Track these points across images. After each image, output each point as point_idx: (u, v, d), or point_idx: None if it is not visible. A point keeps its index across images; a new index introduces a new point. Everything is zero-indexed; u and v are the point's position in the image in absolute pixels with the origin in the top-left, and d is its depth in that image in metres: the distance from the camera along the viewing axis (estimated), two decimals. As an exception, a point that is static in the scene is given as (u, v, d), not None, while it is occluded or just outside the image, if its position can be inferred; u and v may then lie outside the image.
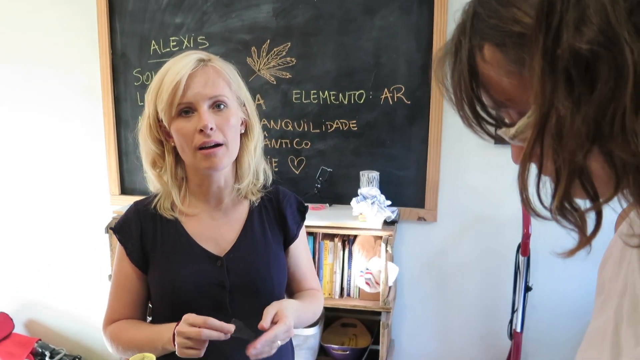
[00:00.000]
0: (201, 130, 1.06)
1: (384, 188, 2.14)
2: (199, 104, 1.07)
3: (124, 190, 2.47)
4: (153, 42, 2.29)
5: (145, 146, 1.16)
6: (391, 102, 2.13)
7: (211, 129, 1.06)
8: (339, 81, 2.15)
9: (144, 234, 1.19)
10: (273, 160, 2.28)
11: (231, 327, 1.02)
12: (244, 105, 1.17)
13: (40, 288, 2.72)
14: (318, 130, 2.21)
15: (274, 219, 1.27)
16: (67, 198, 2.57)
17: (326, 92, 2.17)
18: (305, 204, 1.35)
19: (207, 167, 1.10)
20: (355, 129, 2.18)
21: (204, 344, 1.02)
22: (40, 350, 2.53)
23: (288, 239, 1.29)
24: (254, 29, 2.18)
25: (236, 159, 1.18)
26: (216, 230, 1.22)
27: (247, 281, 1.19)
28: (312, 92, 2.18)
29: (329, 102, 2.18)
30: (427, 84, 2.07)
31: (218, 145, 1.08)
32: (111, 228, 1.24)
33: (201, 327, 1.00)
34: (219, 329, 1.01)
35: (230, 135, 1.10)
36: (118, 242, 1.21)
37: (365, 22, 2.08)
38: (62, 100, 2.47)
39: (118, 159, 2.44)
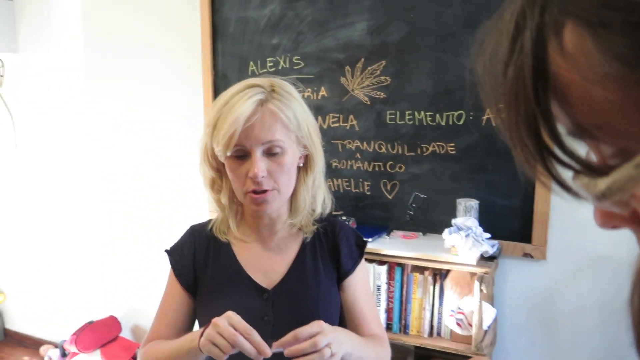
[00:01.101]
0: (250, 178, 1.07)
1: (484, 218, 2.00)
2: (253, 150, 1.07)
3: (222, 207, 2.60)
4: (251, 63, 2.40)
5: (203, 170, 1.19)
6: (494, 124, 2.00)
7: (263, 177, 1.07)
8: (436, 101, 2.07)
9: (196, 257, 1.23)
10: (365, 183, 2.25)
11: (268, 351, 0.97)
12: (303, 138, 1.14)
13: (147, 295, 2.95)
14: (413, 153, 2.15)
15: (328, 252, 1.24)
16: (170, 210, 2.77)
17: (422, 112, 2.10)
18: (365, 239, 1.29)
19: (257, 211, 1.13)
20: (454, 152, 2.08)
21: (231, 350, 0.97)
22: (140, 356, 2.75)
23: (341, 273, 1.24)
24: (348, 47, 2.19)
25: (292, 192, 1.17)
26: (266, 261, 1.22)
27: (292, 316, 1.16)
28: (407, 112, 2.13)
29: (425, 123, 2.11)
30: (535, 104, 1.91)
31: (271, 190, 1.09)
32: (166, 250, 1.28)
33: (241, 333, 0.96)
34: (257, 346, 0.96)
35: (282, 180, 1.10)
36: (170, 264, 1.25)
37: (465, 37, 1.99)
38: (167, 119, 2.68)
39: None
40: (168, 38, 2.61)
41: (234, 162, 1.09)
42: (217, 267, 1.21)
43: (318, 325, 0.99)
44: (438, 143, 2.10)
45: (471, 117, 2.03)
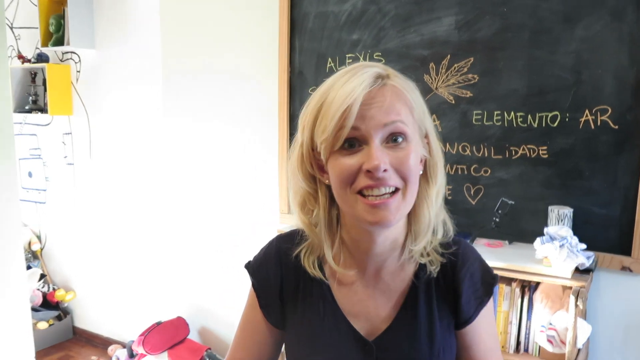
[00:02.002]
0: (368, 171, 0.84)
1: (579, 228, 1.94)
2: (371, 136, 0.85)
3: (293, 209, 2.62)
4: (329, 59, 2.41)
5: (295, 181, 0.97)
6: (593, 126, 1.93)
7: (384, 170, 0.84)
8: (528, 101, 2.02)
9: (284, 286, 1.02)
10: (447, 187, 2.22)
11: None
12: (426, 136, 0.93)
13: (215, 296, 3.02)
14: (500, 156, 2.10)
15: (445, 293, 0.99)
16: (242, 210, 2.83)
17: (512, 113, 2.06)
18: (495, 275, 1.03)
19: (373, 223, 0.87)
20: (546, 156, 2.02)
21: None
22: (207, 359, 2.81)
23: (460, 321, 0.99)
24: (433, 43, 2.17)
25: (411, 210, 0.94)
26: (370, 302, 0.99)
27: None
28: (495, 112, 2.09)
29: (515, 125, 2.06)
30: (641, 105, 1.84)
31: (392, 192, 0.86)
32: (246, 266, 1.09)
33: None
34: None
35: (410, 177, 0.87)
36: (251, 284, 1.06)
37: (563, 33, 1.93)
38: (243, 114, 2.75)
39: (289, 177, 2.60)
40: (245, 34, 2.68)
41: (341, 156, 0.87)
42: (310, 306, 1.00)
43: None
44: (529, 146, 2.05)
45: (567, 119, 1.97)
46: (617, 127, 1.89)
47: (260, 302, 1.04)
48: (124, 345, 3.28)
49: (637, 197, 1.88)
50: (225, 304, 2.98)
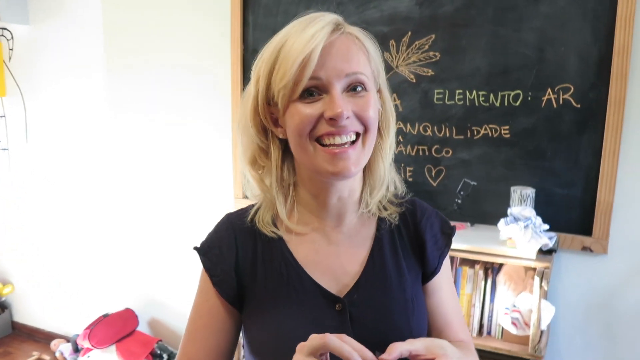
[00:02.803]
0: (331, 119, 0.81)
1: (540, 208, 1.90)
2: (332, 84, 0.81)
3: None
4: (285, 36, 2.28)
5: (245, 137, 0.92)
6: (555, 105, 1.89)
7: (347, 118, 0.82)
8: (491, 79, 1.96)
9: (240, 258, 0.94)
10: (407, 169, 2.14)
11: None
12: (379, 90, 0.91)
13: (165, 286, 2.87)
14: (462, 137, 2.03)
15: (409, 244, 0.98)
16: (193, 197, 2.68)
17: (474, 92, 1.99)
18: (452, 225, 1.04)
19: (334, 173, 0.84)
20: (508, 136, 1.97)
21: None
22: (159, 352, 2.67)
23: (427, 272, 0.99)
24: (394, 19, 2.07)
25: (366, 164, 0.92)
26: (334, 259, 0.94)
27: (377, 334, 0.90)
28: (457, 91, 2.02)
29: (477, 104, 1.99)
30: (605, 83, 1.80)
31: (352, 142, 0.84)
32: (195, 248, 0.99)
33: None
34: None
35: (371, 124, 0.85)
36: (202, 268, 0.97)
37: (527, 9, 1.87)
38: (192, 96, 2.58)
39: (244, 160, 2.48)
40: (195, 7, 2.49)
41: (302, 105, 0.83)
42: (269, 271, 0.93)
43: (434, 343, 0.77)
44: (491, 125, 1.99)
45: (530, 98, 1.92)
46: (579, 105, 1.86)
47: (213, 280, 0.95)
48: (68, 340, 3.08)
49: (599, 177, 1.86)
50: (176, 293, 2.84)
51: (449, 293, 1.03)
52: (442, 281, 1.02)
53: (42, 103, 3.05)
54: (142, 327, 2.93)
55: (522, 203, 1.89)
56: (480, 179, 2.03)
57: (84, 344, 2.72)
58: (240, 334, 0.99)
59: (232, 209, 2.48)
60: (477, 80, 1.98)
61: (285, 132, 0.88)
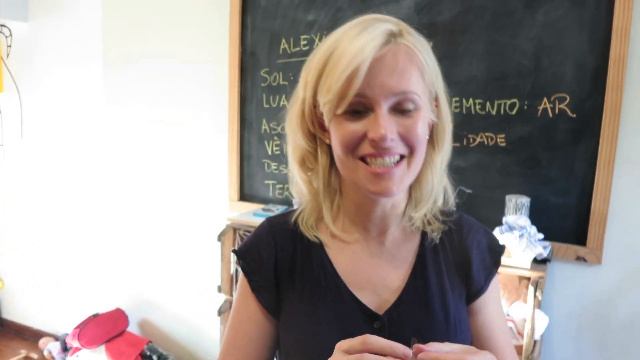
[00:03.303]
0: (373, 140, 0.77)
1: (535, 217, 1.89)
2: (378, 102, 0.76)
3: (243, 196, 2.48)
4: (283, 40, 2.27)
5: (294, 139, 0.89)
6: (551, 114, 1.88)
7: (392, 139, 0.77)
8: (488, 87, 1.95)
9: (279, 264, 0.91)
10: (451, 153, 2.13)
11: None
12: (436, 99, 0.85)
13: (156, 288, 2.84)
14: (458, 144, 2.02)
15: (454, 262, 0.92)
16: (188, 198, 2.66)
17: (471, 99, 1.98)
18: (502, 243, 0.98)
19: (375, 192, 0.80)
20: (504, 144, 1.96)
21: None
22: (148, 353, 2.63)
23: (471, 292, 0.93)
24: (392, 25, 2.06)
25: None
26: (375, 272, 0.90)
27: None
28: (454, 99, 2.01)
29: (473, 112, 1.99)
30: (601, 93, 1.79)
31: (397, 162, 0.79)
32: (234, 251, 0.98)
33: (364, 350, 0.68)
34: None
35: (417, 146, 0.80)
36: (241, 272, 0.94)
37: (524, 18, 1.87)
38: (190, 96, 2.56)
39: (239, 163, 2.46)
40: (194, 9, 2.48)
41: (346, 120, 0.78)
42: (307, 279, 0.90)
43: (470, 350, 0.70)
44: (487, 134, 1.98)
45: (526, 107, 1.91)
46: (575, 115, 1.85)
47: (251, 285, 0.92)
48: (56, 338, 3.05)
49: (594, 187, 1.85)
50: (167, 294, 2.81)
51: (495, 315, 0.96)
52: (489, 302, 0.95)
53: (39, 99, 3.03)
54: (132, 328, 2.90)
55: (517, 211, 1.88)
56: (476, 187, 2.02)
57: (73, 343, 2.68)
58: None
59: (227, 211, 2.49)
60: (473, 88, 1.97)
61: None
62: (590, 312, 1.95)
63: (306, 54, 2.24)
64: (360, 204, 0.88)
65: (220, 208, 2.54)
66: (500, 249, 0.96)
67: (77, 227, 3.04)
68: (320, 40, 2.20)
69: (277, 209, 2.26)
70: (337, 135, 0.80)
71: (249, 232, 2.21)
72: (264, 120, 2.38)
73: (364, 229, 0.90)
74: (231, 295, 2.28)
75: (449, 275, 0.91)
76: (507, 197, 1.90)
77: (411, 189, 0.89)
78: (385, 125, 0.75)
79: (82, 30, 2.80)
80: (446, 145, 0.88)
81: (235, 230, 2.22)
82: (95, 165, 2.90)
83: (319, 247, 0.91)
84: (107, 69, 2.77)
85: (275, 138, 2.36)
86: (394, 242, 0.91)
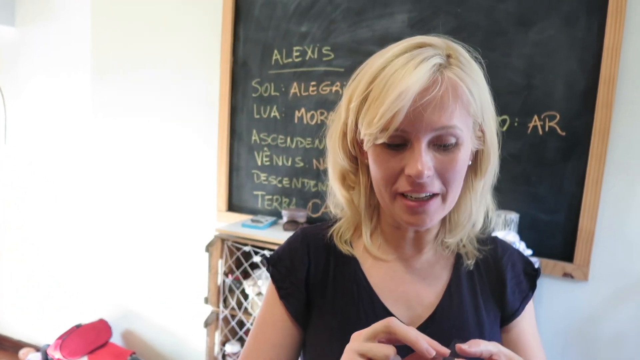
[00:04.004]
0: (409, 176, 0.76)
1: (524, 233, 1.90)
2: (418, 139, 0.75)
3: (232, 207, 2.46)
4: (276, 51, 2.26)
5: (334, 156, 0.88)
6: (541, 132, 1.89)
7: (428, 176, 0.75)
8: (479, 104, 1.96)
9: (311, 273, 0.90)
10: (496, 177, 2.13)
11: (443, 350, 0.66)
12: (481, 125, 0.82)
13: (141, 299, 2.79)
14: (449, 159, 2.02)
15: (489, 284, 0.91)
16: (175, 208, 2.62)
17: (462, 115, 1.99)
18: (537, 267, 0.97)
19: (409, 223, 0.80)
20: (494, 160, 1.96)
21: None
22: (132, 365, 2.58)
23: (506, 315, 0.91)
24: (385, 40, 2.06)
25: None
26: (409, 287, 0.89)
27: None
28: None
29: (464, 127, 1.99)
30: (590, 112, 1.81)
31: (432, 195, 0.78)
32: (266, 258, 0.96)
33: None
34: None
35: (453, 183, 0.78)
36: (270, 279, 0.93)
37: (517, 36, 1.88)
38: (180, 106, 2.53)
39: (228, 173, 2.44)
40: (186, 20, 2.46)
41: (384, 152, 0.77)
42: (340, 290, 0.89)
43: (519, 358, 0.68)
44: (477, 149, 1.98)
45: (516, 124, 1.92)
46: (564, 133, 1.86)
47: (280, 293, 0.91)
48: (37, 349, 2.98)
49: (582, 205, 1.86)
50: (152, 305, 2.76)
51: (531, 338, 0.93)
52: (525, 326, 0.93)
53: (24, 105, 2.97)
54: (116, 339, 2.84)
55: (506, 227, 1.88)
56: (465, 201, 2.02)
57: (55, 354, 2.61)
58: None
59: (215, 222, 2.46)
60: (465, 104, 1.98)
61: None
62: (576, 328, 1.96)
63: (299, 65, 2.24)
64: (397, 226, 0.88)
65: (208, 218, 2.51)
66: (536, 272, 0.95)
67: (59, 236, 2.98)
68: (313, 52, 2.19)
69: (266, 220, 2.24)
70: (376, 167, 0.79)
71: (237, 242, 2.19)
72: (254, 131, 2.36)
73: (399, 249, 0.90)
74: (218, 306, 2.24)
75: (483, 297, 0.90)
76: (497, 213, 1.90)
77: (449, 215, 0.88)
78: (423, 162, 0.74)
79: (71, 37, 2.76)
80: (489, 172, 0.86)
81: (223, 240, 2.20)
82: (81, 174, 2.85)
83: (353, 260, 0.90)
84: (95, 77, 2.72)
85: (265, 149, 2.34)
86: (429, 262, 0.91)
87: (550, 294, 1.97)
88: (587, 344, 1.96)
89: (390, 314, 0.85)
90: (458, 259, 0.91)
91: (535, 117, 1.89)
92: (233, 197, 2.45)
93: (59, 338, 2.63)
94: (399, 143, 0.76)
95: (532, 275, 0.94)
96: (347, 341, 0.77)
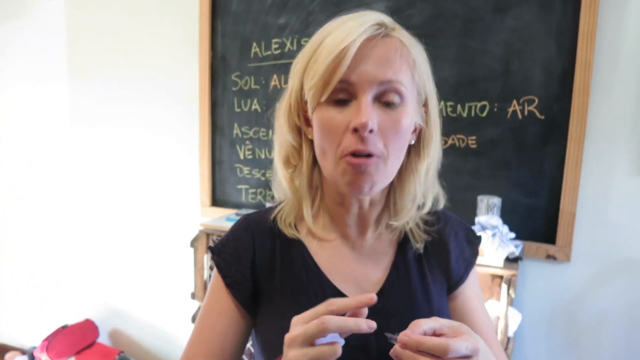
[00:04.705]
0: (355, 130, 0.74)
1: (506, 217, 1.91)
2: (363, 90, 0.74)
3: (215, 201, 2.44)
4: (254, 44, 2.24)
5: (280, 135, 0.87)
6: (520, 116, 1.90)
7: (371, 131, 0.73)
8: (459, 90, 1.96)
9: (257, 260, 0.89)
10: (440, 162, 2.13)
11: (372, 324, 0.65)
12: (425, 104, 0.83)
13: (127, 297, 2.76)
14: (430, 146, 2.03)
15: (433, 254, 0.92)
16: (158, 205, 2.59)
17: (442, 102, 1.99)
18: (478, 234, 0.99)
19: (348, 184, 0.78)
20: (475, 146, 1.97)
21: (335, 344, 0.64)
22: (120, 364, 2.56)
23: (451, 283, 0.93)
24: (363, 30, 2.06)
25: (396, 183, 0.86)
26: (357, 266, 0.89)
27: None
28: (425, 102, 2.01)
29: (444, 114, 1.99)
30: (568, 95, 1.82)
31: (371, 155, 0.76)
32: (210, 247, 0.94)
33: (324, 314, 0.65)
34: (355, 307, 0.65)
35: (394, 146, 0.77)
36: (215, 268, 0.91)
37: (494, 22, 1.88)
38: (160, 102, 2.50)
39: (211, 168, 2.42)
40: (162, 13, 2.42)
41: (329, 110, 0.76)
42: (288, 275, 0.88)
43: (461, 325, 0.67)
44: (458, 136, 1.99)
45: (496, 109, 1.92)
46: (543, 117, 1.87)
47: (226, 281, 0.89)
48: (24, 352, 2.93)
49: (562, 187, 1.88)
50: (138, 303, 2.73)
51: (477, 304, 0.95)
52: (469, 291, 0.95)
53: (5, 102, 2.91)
54: (103, 339, 2.81)
55: (488, 212, 1.89)
56: (448, 188, 2.00)
57: (42, 356, 2.58)
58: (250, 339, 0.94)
59: (199, 217, 2.43)
60: (445, 91, 1.98)
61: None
62: (560, 308, 1.98)
63: (278, 57, 2.23)
64: (340, 201, 0.87)
65: (193, 214, 2.49)
66: (478, 240, 0.98)
67: (42, 236, 2.93)
68: (292, 43, 2.18)
69: (251, 214, 2.23)
70: (320, 129, 0.78)
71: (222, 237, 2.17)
72: (236, 125, 2.34)
73: (344, 228, 0.89)
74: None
75: (429, 267, 0.91)
76: (479, 197, 1.91)
77: (391, 195, 0.88)
78: (368, 113, 0.73)
79: (45, 37, 2.70)
80: (432, 152, 0.86)
81: (208, 235, 2.18)
82: (61, 171, 2.80)
83: (299, 243, 0.89)
84: (72, 77, 2.68)
85: (247, 142, 2.33)
86: (374, 242, 0.91)
87: (534, 276, 1.99)
88: (571, 324, 1.98)
89: (340, 293, 0.85)
90: (405, 238, 0.92)
91: (514, 101, 1.90)
92: (217, 192, 2.43)
93: (45, 340, 2.59)
94: (344, 98, 0.76)
95: (474, 243, 0.97)
96: None
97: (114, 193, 2.69)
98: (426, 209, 0.91)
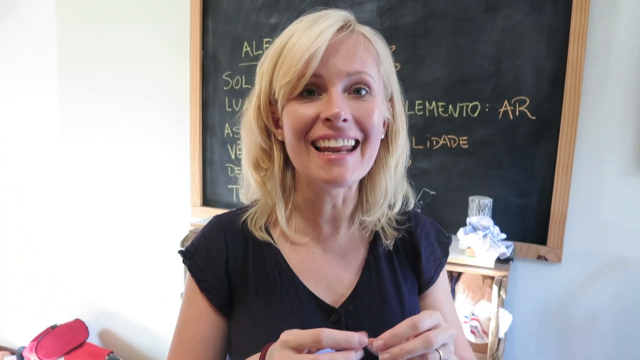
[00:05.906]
0: (327, 120, 0.75)
1: (497, 218, 1.89)
2: (332, 83, 0.75)
3: (206, 201, 2.41)
4: (245, 43, 2.21)
5: (249, 138, 0.86)
6: (512, 117, 1.88)
7: (345, 120, 0.75)
8: (450, 90, 1.94)
9: (230, 262, 0.87)
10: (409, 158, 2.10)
11: (363, 339, 0.65)
12: (391, 99, 0.85)
13: (117, 297, 2.73)
14: (422, 146, 2.01)
15: (405, 254, 0.93)
16: (149, 205, 2.56)
17: (434, 102, 1.97)
18: (448, 234, 1.00)
19: (327, 180, 0.77)
20: (466, 146, 1.95)
21: None
22: (110, 364, 2.52)
23: (422, 283, 0.94)
24: (355, 29, 2.03)
25: (367, 179, 0.87)
26: (329, 268, 0.88)
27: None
28: (417, 102, 1.99)
29: (436, 114, 1.97)
30: (559, 96, 1.81)
31: (351, 149, 0.77)
32: (180, 251, 0.92)
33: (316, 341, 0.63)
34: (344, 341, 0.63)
35: (372, 132, 0.78)
36: (188, 273, 0.89)
37: (485, 22, 1.86)
38: (150, 101, 2.47)
39: (202, 168, 2.39)
40: (153, 12, 2.39)
41: (299, 103, 0.77)
42: (261, 278, 0.87)
43: (437, 316, 0.68)
44: (450, 136, 1.97)
45: (487, 109, 1.90)
46: (534, 117, 1.86)
47: (200, 285, 0.87)
48: (12, 352, 2.89)
49: (553, 188, 1.86)
50: (128, 303, 2.70)
51: (446, 305, 0.97)
52: (439, 292, 0.96)
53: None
54: (93, 339, 2.78)
55: (480, 212, 1.87)
56: (440, 188, 2.00)
57: (31, 356, 2.54)
58: None
59: (190, 216, 2.40)
60: (436, 91, 1.96)
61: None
62: (551, 309, 1.97)
63: (269, 57, 2.19)
64: (314, 200, 0.87)
65: (183, 214, 2.45)
66: (447, 240, 0.99)
67: (33, 236, 2.89)
68: (283, 43, 2.15)
69: (242, 214, 2.20)
70: (290, 119, 0.78)
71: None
72: (227, 125, 2.31)
73: (317, 227, 0.89)
74: (196, 302, 2.20)
75: (401, 267, 0.92)
76: (470, 198, 1.89)
77: (365, 190, 0.88)
78: (339, 104, 0.74)
79: (35, 37, 2.66)
80: (400, 147, 0.86)
81: (199, 236, 2.15)
82: (51, 171, 2.77)
83: (271, 246, 0.89)
84: (63, 75, 2.64)
85: (239, 142, 2.30)
86: (346, 241, 0.91)
87: (525, 277, 1.98)
88: (562, 325, 1.97)
89: (313, 297, 0.85)
90: (376, 236, 0.92)
91: (506, 102, 1.88)
92: (207, 192, 2.40)
93: (34, 340, 2.56)
94: (313, 91, 0.77)
95: (444, 243, 0.98)
96: (272, 328, 0.78)
97: (104, 193, 2.65)
98: (397, 208, 0.91)
